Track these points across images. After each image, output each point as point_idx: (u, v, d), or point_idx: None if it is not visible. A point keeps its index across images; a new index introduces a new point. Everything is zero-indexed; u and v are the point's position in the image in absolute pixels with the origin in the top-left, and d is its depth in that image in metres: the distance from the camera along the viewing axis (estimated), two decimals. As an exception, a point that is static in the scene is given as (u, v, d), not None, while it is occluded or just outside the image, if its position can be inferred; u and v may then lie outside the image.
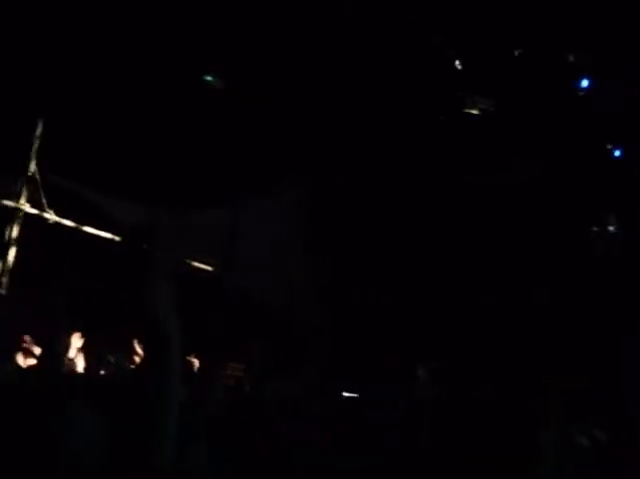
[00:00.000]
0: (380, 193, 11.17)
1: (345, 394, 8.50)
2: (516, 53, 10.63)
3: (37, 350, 6.17)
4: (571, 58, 10.68)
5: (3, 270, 8.37)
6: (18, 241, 8.57)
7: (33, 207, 8.70)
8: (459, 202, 11.16)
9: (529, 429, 5.77)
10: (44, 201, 8.57)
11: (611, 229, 11.89)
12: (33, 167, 8.66)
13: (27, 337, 6.47)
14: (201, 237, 9.77)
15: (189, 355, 7.17)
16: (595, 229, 11.97)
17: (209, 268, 10.20)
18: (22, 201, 8.67)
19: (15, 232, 8.53)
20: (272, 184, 10.91)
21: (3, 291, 8.41)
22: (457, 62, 10.88)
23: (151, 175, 9.55)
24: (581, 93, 11.05)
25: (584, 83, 11.04)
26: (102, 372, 6.72)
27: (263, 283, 10.19)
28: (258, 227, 10.40)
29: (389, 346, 10.33)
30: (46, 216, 8.67)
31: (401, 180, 11.27)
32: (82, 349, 6.67)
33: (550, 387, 8.32)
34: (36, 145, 8.69)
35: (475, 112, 11.11)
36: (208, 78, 10.86)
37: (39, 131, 8.79)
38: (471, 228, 11.24)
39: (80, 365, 6.62)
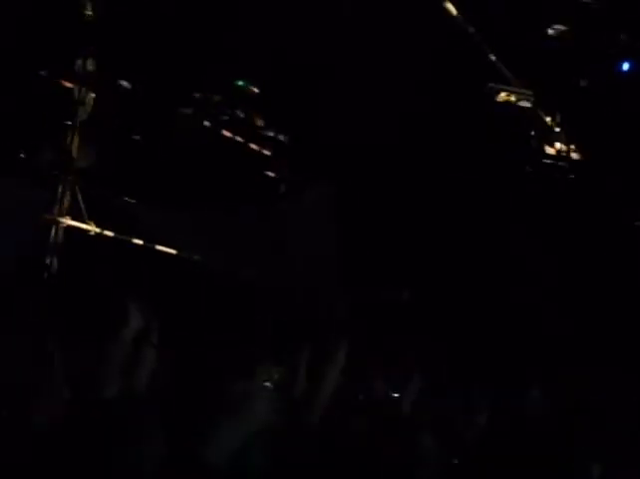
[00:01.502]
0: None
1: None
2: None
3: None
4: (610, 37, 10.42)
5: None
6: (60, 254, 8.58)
7: (73, 219, 8.69)
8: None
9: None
10: (84, 212, 8.56)
11: None
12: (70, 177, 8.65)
13: None
14: (240, 240, 9.74)
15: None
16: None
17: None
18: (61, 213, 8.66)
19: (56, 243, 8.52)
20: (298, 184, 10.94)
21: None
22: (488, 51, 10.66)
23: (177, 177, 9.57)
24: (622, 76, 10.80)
25: (626, 66, 10.77)
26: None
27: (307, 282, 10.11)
28: (291, 225, 10.39)
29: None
30: (87, 227, 8.65)
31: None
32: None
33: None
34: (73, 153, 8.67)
35: (512, 102, 10.91)
36: (240, 83, 10.82)
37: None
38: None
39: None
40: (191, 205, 9.52)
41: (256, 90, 10.59)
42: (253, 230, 10.17)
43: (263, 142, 11.22)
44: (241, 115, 10.63)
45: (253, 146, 10.84)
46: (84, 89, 8.65)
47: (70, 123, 8.84)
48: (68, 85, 8.91)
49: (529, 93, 10.78)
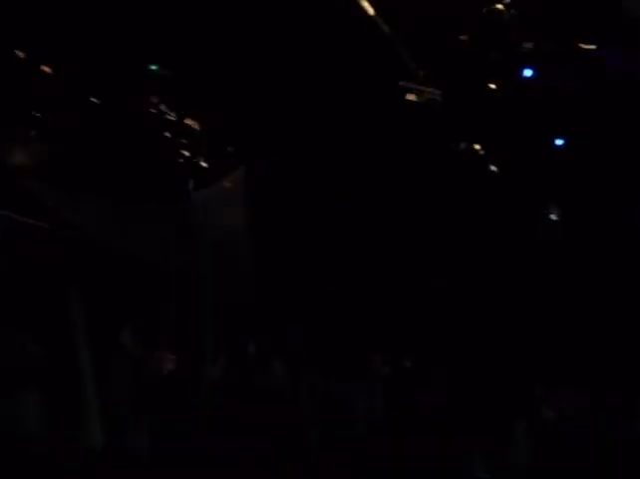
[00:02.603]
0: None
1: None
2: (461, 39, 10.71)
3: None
4: (515, 46, 10.84)
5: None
6: None
7: None
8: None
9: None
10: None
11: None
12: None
13: None
14: (155, 228, 9.66)
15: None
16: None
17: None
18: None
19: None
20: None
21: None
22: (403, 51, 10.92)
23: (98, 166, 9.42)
24: (524, 82, 11.25)
25: (528, 72, 11.22)
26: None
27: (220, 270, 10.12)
28: (208, 213, 10.35)
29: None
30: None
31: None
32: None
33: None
34: None
35: (420, 100, 11.21)
36: (153, 67, 10.72)
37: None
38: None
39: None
40: (99, 189, 9.40)
41: (168, 74, 10.51)
42: (161, 215, 10.11)
43: (175, 128, 11.15)
44: (153, 101, 10.53)
45: (165, 132, 10.76)
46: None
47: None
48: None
49: (438, 92, 11.11)
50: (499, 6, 10.28)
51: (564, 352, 10.43)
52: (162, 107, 11.00)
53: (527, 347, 10.53)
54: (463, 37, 10.92)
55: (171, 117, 11.10)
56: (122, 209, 9.71)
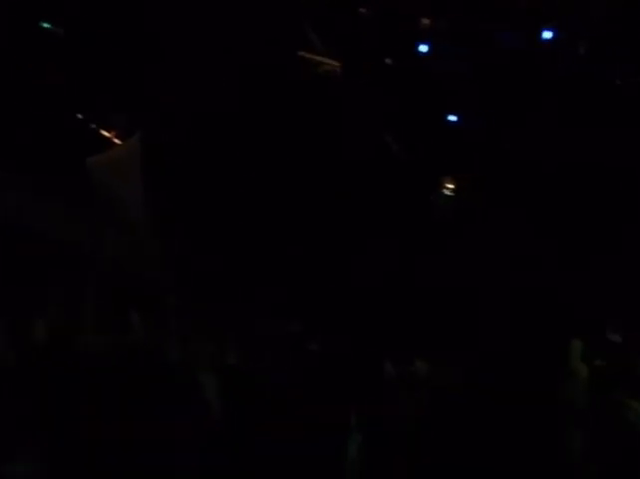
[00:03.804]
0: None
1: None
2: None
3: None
4: (413, 21, 11.08)
5: None
6: None
7: None
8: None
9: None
10: None
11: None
12: None
13: None
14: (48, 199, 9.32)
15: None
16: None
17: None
18: None
19: None
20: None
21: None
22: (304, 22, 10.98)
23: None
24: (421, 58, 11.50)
25: (423, 48, 11.47)
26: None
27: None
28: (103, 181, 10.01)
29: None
30: None
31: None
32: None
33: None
34: None
35: (319, 72, 11.28)
36: (45, 25, 10.34)
37: None
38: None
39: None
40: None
41: (62, 31, 10.16)
42: (54, 186, 9.77)
43: (67, 96, 10.78)
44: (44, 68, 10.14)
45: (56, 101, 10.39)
46: None
47: None
48: None
49: (337, 64, 11.21)
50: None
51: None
52: (52, 72, 10.62)
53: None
54: (362, 10, 11.08)
55: (63, 84, 10.74)
56: (14, 181, 9.36)
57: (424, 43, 11.42)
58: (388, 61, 11.45)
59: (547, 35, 10.82)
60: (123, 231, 10.08)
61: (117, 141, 10.52)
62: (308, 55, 11.15)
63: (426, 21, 11.40)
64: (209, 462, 5.14)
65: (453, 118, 11.97)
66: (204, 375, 5.72)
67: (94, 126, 10.88)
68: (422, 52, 11.46)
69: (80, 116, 11.06)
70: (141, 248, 10.33)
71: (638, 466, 5.37)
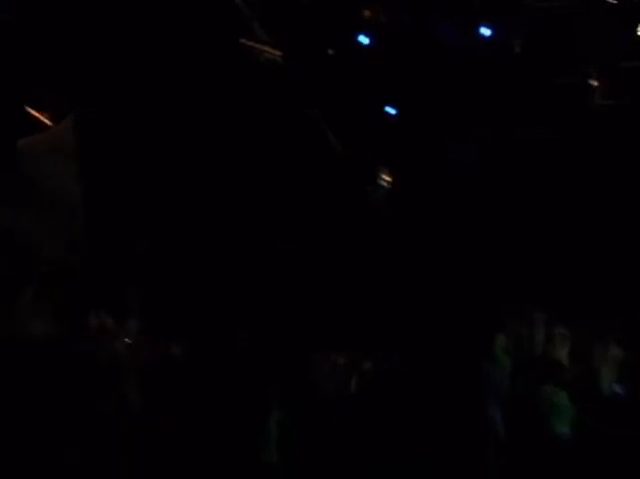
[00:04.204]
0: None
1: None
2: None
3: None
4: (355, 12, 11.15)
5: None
6: None
7: None
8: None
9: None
10: None
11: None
12: None
13: None
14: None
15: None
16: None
17: None
18: None
19: None
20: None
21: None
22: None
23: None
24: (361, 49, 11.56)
25: (364, 39, 11.53)
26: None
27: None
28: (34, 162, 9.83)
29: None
30: None
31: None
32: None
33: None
34: None
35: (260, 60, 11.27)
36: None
37: None
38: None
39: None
40: None
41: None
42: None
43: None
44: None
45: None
46: None
47: None
48: None
49: (279, 53, 11.21)
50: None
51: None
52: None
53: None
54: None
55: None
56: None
57: (364, 34, 11.50)
58: (330, 51, 11.50)
59: (485, 32, 11.01)
60: (57, 215, 9.96)
61: (49, 123, 10.36)
62: (250, 43, 11.13)
63: (367, 13, 11.49)
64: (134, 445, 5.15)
65: (391, 110, 12.10)
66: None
67: (26, 108, 10.68)
68: (362, 43, 11.53)
69: (11, 97, 10.85)
70: (74, 233, 10.22)
71: (546, 433, 5.75)
